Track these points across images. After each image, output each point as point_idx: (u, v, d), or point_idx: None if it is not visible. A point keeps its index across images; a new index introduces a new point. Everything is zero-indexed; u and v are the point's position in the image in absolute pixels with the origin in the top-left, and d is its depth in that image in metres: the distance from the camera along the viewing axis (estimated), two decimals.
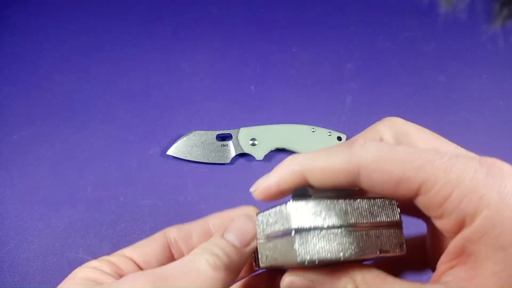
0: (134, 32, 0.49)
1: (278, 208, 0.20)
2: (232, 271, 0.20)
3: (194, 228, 0.24)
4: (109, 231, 0.38)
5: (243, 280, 0.24)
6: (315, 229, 0.18)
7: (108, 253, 0.23)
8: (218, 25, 0.50)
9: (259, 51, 0.48)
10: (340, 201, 0.19)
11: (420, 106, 0.45)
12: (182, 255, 0.23)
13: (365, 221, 0.19)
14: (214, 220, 0.24)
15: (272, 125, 0.42)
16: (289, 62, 0.47)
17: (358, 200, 0.19)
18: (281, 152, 0.42)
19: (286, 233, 0.19)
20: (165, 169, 0.40)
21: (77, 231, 0.37)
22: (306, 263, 0.18)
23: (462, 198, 0.16)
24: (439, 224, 0.17)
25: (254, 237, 0.22)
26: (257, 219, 0.21)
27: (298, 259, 0.18)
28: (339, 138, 0.41)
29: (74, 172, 0.40)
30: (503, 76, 0.47)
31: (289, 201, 0.19)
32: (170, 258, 0.24)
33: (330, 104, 0.45)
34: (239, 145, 0.41)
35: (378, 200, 0.19)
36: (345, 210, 0.19)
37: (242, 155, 0.41)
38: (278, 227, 0.19)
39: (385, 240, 0.19)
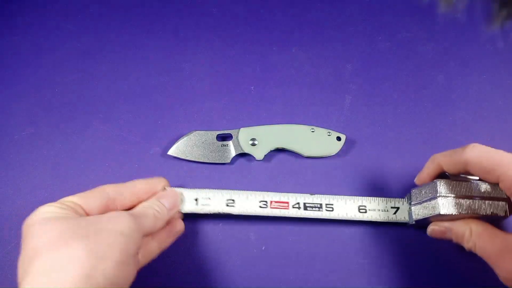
0: (134, 32, 0.49)
1: (430, 184, 0.33)
2: (160, 220, 0.32)
3: (126, 189, 0.33)
4: None
5: None
6: (450, 196, 0.32)
7: None
8: (218, 25, 0.50)
9: (259, 52, 0.48)
10: (465, 182, 0.32)
11: (419, 106, 0.45)
12: (115, 207, 0.32)
13: (482, 194, 0.32)
14: (140, 185, 0.34)
15: (272, 125, 0.42)
16: (289, 63, 0.47)
17: (479, 182, 0.32)
18: (281, 152, 0.42)
19: (433, 198, 0.33)
20: (166, 169, 0.41)
21: None
22: (443, 213, 0.31)
23: None
24: None
25: (178, 205, 0.35)
26: (412, 192, 0.36)
27: (441, 211, 0.32)
28: (339, 138, 0.42)
29: (75, 172, 0.40)
30: (503, 76, 0.47)
31: (437, 179, 0.33)
32: (106, 208, 0.32)
33: (330, 104, 0.45)
34: (239, 145, 0.41)
35: (491, 184, 0.32)
36: (469, 187, 0.32)
37: (242, 155, 0.41)
38: (427, 195, 0.33)
39: (495, 206, 0.31)
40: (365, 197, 0.38)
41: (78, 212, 0.29)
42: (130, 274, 0.28)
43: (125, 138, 0.42)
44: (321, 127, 0.42)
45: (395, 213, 0.37)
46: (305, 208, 0.37)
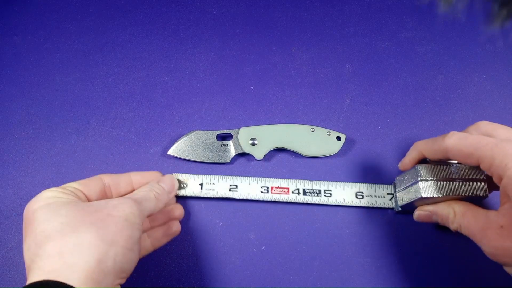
0: (134, 32, 0.49)
1: (411, 169, 0.35)
2: (161, 202, 0.34)
3: (122, 179, 0.35)
4: None
5: None
6: (431, 179, 0.33)
7: None
8: (218, 25, 0.50)
9: (259, 51, 0.48)
10: (446, 165, 0.33)
11: (419, 106, 0.45)
12: (111, 195, 0.35)
13: (462, 176, 0.33)
14: (135, 176, 0.36)
15: (272, 125, 0.42)
16: (289, 62, 0.47)
17: (458, 165, 0.33)
18: (281, 151, 0.42)
19: (415, 182, 0.34)
20: (166, 169, 0.41)
21: None
22: (425, 197, 0.33)
23: (498, 165, 0.27)
24: (494, 179, 0.29)
25: (175, 189, 0.37)
26: (395, 180, 0.37)
27: (423, 195, 0.33)
28: (338, 138, 0.42)
29: (75, 171, 0.40)
30: (502, 76, 0.47)
31: (417, 164, 0.34)
32: (104, 195, 0.34)
33: (330, 104, 0.45)
34: (239, 145, 0.41)
35: (469, 167, 0.33)
36: (449, 170, 0.33)
37: (242, 154, 0.42)
38: (410, 180, 0.35)
39: (475, 187, 0.32)
40: (363, 184, 0.39)
41: (80, 197, 0.31)
42: (134, 259, 0.29)
43: (125, 138, 0.42)
44: (321, 127, 0.42)
45: (391, 199, 0.38)
46: (305, 193, 0.39)
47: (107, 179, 0.35)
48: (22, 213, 0.29)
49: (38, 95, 0.44)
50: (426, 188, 0.33)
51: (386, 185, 0.39)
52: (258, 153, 0.41)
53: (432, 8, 0.52)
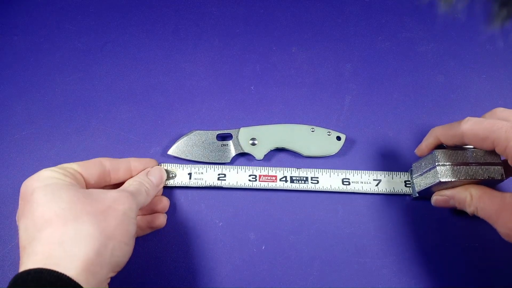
0: (134, 32, 0.49)
1: (428, 155, 0.35)
2: (150, 196, 0.35)
3: (121, 165, 0.36)
4: None
5: None
6: (448, 164, 0.34)
7: None
8: (218, 25, 0.50)
9: (259, 51, 0.48)
10: (462, 150, 0.34)
11: (419, 106, 0.45)
12: (109, 180, 0.35)
13: (478, 160, 0.34)
14: (134, 163, 0.37)
15: (272, 125, 0.42)
16: (289, 62, 0.47)
17: (474, 149, 0.34)
18: (281, 151, 0.42)
19: (433, 167, 0.35)
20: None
21: None
22: (443, 181, 0.33)
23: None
24: (509, 161, 0.30)
25: (163, 181, 0.38)
26: (412, 166, 0.38)
27: (441, 179, 0.33)
28: (338, 138, 0.42)
29: None
30: (502, 76, 0.47)
31: (435, 150, 0.35)
32: (101, 179, 0.34)
33: (330, 104, 0.45)
34: (239, 145, 0.41)
35: (485, 151, 0.34)
36: (466, 155, 0.34)
37: (242, 154, 0.42)
38: (427, 166, 0.35)
39: (491, 171, 0.33)
40: (349, 170, 0.40)
41: (78, 180, 0.31)
42: (129, 253, 0.29)
43: (125, 138, 0.42)
44: (321, 127, 0.42)
45: (377, 185, 0.39)
46: (292, 181, 0.39)
47: (107, 163, 0.35)
48: None
49: (38, 95, 0.44)
50: (444, 172, 0.34)
51: (372, 172, 0.40)
52: (258, 153, 0.41)
53: (432, 8, 0.52)
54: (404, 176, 0.40)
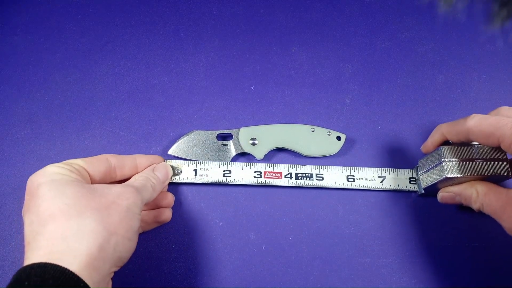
0: (134, 32, 0.49)
1: (434, 151, 0.35)
2: (156, 192, 0.35)
3: (127, 161, 0.36)
4: None
5: None
6: (454, 160, 0.34)
7: None
8: (218, 25, 0.50)
9: (259, 51, 0.48)
10: (468, 147, 0.34)
11: (419, 106, 0.45)
12: (115, 176, 0.35)
13: (484, 157, 0.34)
14: (140, 159, 0.37)
15: (272, 125, 0.42)
16: (289, 62, 0.47)
17: (480, 146, 0.34)
18: (281, 151, 0.42)
19: (439, 163, 0.35)
20: None
21: None
22: (449, 177, 0.33)
23: None
24: None
25: (169, 177, 0.38)
26: (418, 162, 0.38)
27: (447, 175, 0.33)
28: (339, 138, 0.42)
29: None
30: (502, 76, 0.47)
31: (441, 146, 0.35)
32: (107, 176, 0.34)
33: (330, 104, 0.45)
34: (239, 145, 0.41)
35: (491, 148, 0.34)
36: (471, 151, 0.34)
37: (242, 154, 0.42)
38: (433, 162, 0.35)
39: (497, 167, 0.33)
40: (354, 167, 0.40)
41: (84, 176, 0.31)
42: (132, 249, 0.29)
43: (125, 138, 0.42)
44: (321, 127, 0.42)
45: (382, 182, 0.39)
46: (297, 177, 0.39)
47: (113, 159, 0.35)
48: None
49: (38, 95, 0.44)
50: (450, 168, 0.34)
51: (376, 168, 0.40)
52: (258, 153, 0.41)
53: (432, 8, 0.52)
54: (409, 173, 0.40)
